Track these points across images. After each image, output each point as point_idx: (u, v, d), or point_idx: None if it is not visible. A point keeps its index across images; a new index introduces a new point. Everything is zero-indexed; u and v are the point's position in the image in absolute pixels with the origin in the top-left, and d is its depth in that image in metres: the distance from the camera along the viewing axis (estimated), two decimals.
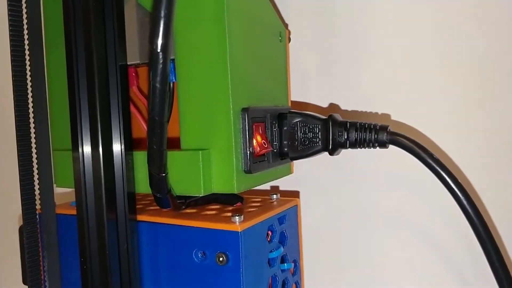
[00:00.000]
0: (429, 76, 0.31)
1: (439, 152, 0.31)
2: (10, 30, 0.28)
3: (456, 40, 0.30)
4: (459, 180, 0.25)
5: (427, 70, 0.31)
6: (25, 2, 0.28)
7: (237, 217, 0.24)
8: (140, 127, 0.31)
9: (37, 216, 0.30)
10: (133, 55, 0.28)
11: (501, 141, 0.29)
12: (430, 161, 0.25)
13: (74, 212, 0.26)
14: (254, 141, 0.25)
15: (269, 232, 0.27)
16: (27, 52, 0.28)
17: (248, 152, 0.25)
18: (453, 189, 0.25)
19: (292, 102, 0.32)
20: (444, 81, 0.31)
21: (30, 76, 0.28)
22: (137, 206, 0.28)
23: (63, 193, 0.43)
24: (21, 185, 0.28)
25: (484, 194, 0.30)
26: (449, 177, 0.25)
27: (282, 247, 0.28)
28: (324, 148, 0.27)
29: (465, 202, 0.24)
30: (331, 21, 0.33)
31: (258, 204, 0.29)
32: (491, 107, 0.29)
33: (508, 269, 0.25)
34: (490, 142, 0.30)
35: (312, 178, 0.35)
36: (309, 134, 0.27)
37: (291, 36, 0.34)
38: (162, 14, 0.19)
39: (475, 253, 0.26)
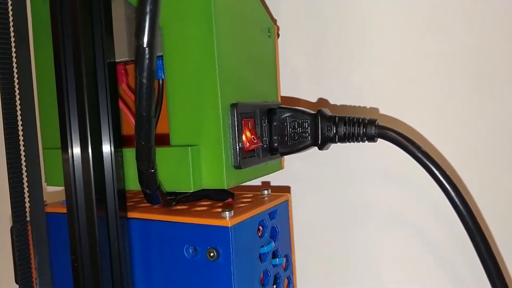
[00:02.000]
0: (417, 70, 0.31)
1: (427, 145, 0.31)
2: None
3: (445, 35, 0.30)
4: (447, 172, 0.25)
5: (416, 65, 0.31)
6: (11, 0, 0.28)
7: (227, 213, 0.24)
8: (131, 125, 0.31)
9: (27, 215, 0.29)
10: (122, 52, 0.28)
11: (490, 135, 0.30)
12: (418, 154, 0.25)
13: (64, 210, 0.26)
14: (244, 136, 0.25)
15: (260, 227, 0.27)
16: (13, 50, 0.28)
17: (238, 148, 0.25)
18: (441, 181, 0.25)
19: (282, 97, 0.32)
20: (432, 76, 0.31)
21: (17, 74, 0.28)
22: (128, 204, 0.28)
23: (54, 191, 0.43)
24: (10, 184, 0.28)
25: (473, 186, 0.30)
26: (436, 169, 0.25)
27: (273, 242, 0.28)
28: (314, 143, 0.27)
29: (453, 194, 0.25)
30: (320, 16, 0.33)
31: (249, 199, 0.29)
32: (480, 101, 0.30)
33: (497, 260, 0.25)
34: (479, 135, 0.30)
35: (303, 173, 0.35)
36: (298, 129, 0.27)
37: (280, 32, 0.34)
38: (148, 9, 0.19)
39: (467, 246, 0.26)
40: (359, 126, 0.27)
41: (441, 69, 0.30)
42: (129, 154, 0.26)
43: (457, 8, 0.30)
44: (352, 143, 0.27)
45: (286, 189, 0.36)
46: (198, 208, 0.27)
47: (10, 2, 0.28)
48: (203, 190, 0.25)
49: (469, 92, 0.30)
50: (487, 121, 0.30)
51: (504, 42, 0.29)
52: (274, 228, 0.29)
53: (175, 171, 0.24)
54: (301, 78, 0.34)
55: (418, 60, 0.31)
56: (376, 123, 0.27)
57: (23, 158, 0.29)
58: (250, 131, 0.26)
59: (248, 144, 0.25)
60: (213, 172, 0.24)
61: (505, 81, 0.29)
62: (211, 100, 0.24)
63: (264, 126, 0.27)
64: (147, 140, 0.21)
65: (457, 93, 0.30)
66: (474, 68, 0.30)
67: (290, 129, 0.27)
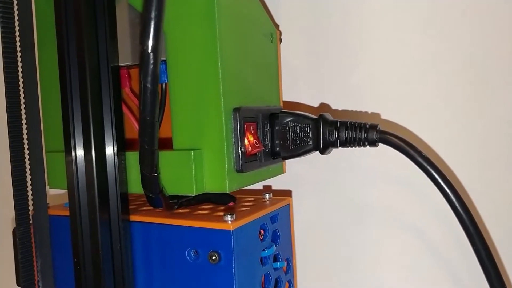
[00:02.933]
0: (419, 75, 0.31)
1: (428, 150, 0.31)
2: (1, 32, 0.28)
3: (445, 38, 0.30)
4: (448, 177, 0.25)
5: (417, 69, 0.31)
6: (17, 4, 0.28)
7: (229, 216, 0.24)
8: (133, 128, 0.31)
9: (30, 217, 0.30)
10: (125, 56, 0.28)
11: (491, 139, 0.30)
12: (419, 159, 0.25)
13: (67, 213, 0.26)
14: (246, 140, 0.25)
15: (262, 231, 0.28)
16: (19, 54, 0.28)
17: (240, 152, 0.25)
18: (441, 185, 0.25)
19: (284, 102, 0.33)
20: (433, 80, 0.31)
21: (22, 77, 0.28)
22: (130, 207, 0.29)
23: (57, 194, 0.43)
24: (13, 187, 0.28)
25: (473, 191, 0.30)
26: (437, 174, 0.25)
27: (274, 245, 0.28)
28: (315, 147, 0.27)
29: (453, 199, 0.25)
30: (322, 21, 0.34)
31: (251, 203, 0.29)
32: (481, 105, 0.30)
33: (497, 265, 0.25)
34: (480, 139, 0.30)
35: (304, 177, 0.35)
36: (300, 133, 0.28)
37: (282, 37, 0.34)
38: (152, 15, 0.19)
39: (466, 247, 0.26)
40: (361, 131, 0.27)
41: (443, 72, 0.31)
42: (132, 157, 0.26)
43: (457, 8, 0.30)
44: (353, 147, 0.27)
45: (288, 193, 0.36)
46: (200, 212, 0.27)
47: (16, 7, 0.28)
48: (205, 193, 0.25)
49: (471, 96, 0.30)
50: (489, 126, 0.30)
51: (506, 42, 0.29)
52: (276, 231, 0.29)
53: (177, 174, 0.25)
54: (303, 82, 0.35)
55: (419, 64, 0.31)
56: (378, 128, 0.27)
57: (27, 161, 0.29)
58: (252, 135, 0.26)
59: (250, 148, 0.25)
60: (215, 176, 0.25)
61: (508, 83, 0.29)
62: (214, 104, 0.24)
63: (266, 130, 0.28)
64: (150, 144, 0.21)
65: (459, 97, 0.30)
66: (477, 70, 0.30)
67: (292, 134, 0.28)
